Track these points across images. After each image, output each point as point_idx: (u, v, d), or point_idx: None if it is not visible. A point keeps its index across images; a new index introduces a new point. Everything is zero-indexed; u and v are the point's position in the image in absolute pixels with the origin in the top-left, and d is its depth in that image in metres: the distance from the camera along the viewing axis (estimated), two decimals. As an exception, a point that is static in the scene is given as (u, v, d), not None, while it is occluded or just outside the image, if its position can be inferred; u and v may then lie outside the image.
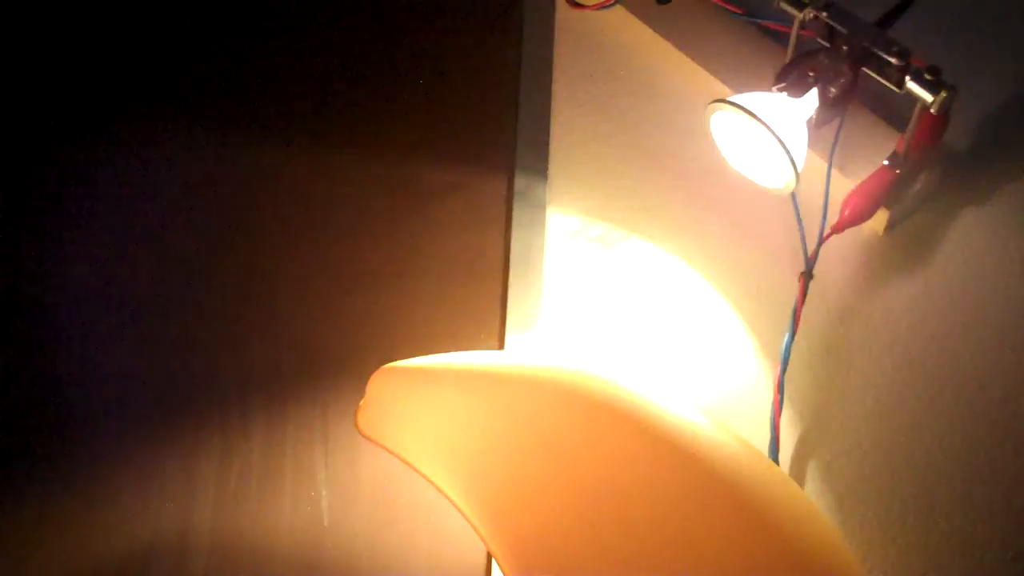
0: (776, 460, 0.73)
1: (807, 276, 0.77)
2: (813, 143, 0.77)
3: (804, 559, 0.61)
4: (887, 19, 0.80)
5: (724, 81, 0.87)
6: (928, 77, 0.76)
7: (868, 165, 0.81)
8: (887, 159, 0.80)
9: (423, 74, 0.93)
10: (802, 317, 0.76)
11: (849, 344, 0.79)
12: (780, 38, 0.86)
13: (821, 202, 0.78)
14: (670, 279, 0.82)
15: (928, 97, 0.76)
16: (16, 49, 0.95)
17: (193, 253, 0.84)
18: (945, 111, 0.77)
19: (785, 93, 0.76)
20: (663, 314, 0.81)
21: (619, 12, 0.92)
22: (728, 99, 0.74)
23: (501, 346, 0.79)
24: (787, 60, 0.80)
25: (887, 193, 0.80)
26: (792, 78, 0.77)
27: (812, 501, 0.72)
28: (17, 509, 0.74)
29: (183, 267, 0.84)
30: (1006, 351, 0.78)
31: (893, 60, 0.76)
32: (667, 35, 0.90)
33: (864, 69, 0.78)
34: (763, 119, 0.72)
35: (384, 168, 0.88)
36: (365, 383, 0.70)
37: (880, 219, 0.82)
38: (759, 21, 0.89)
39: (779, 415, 0.73)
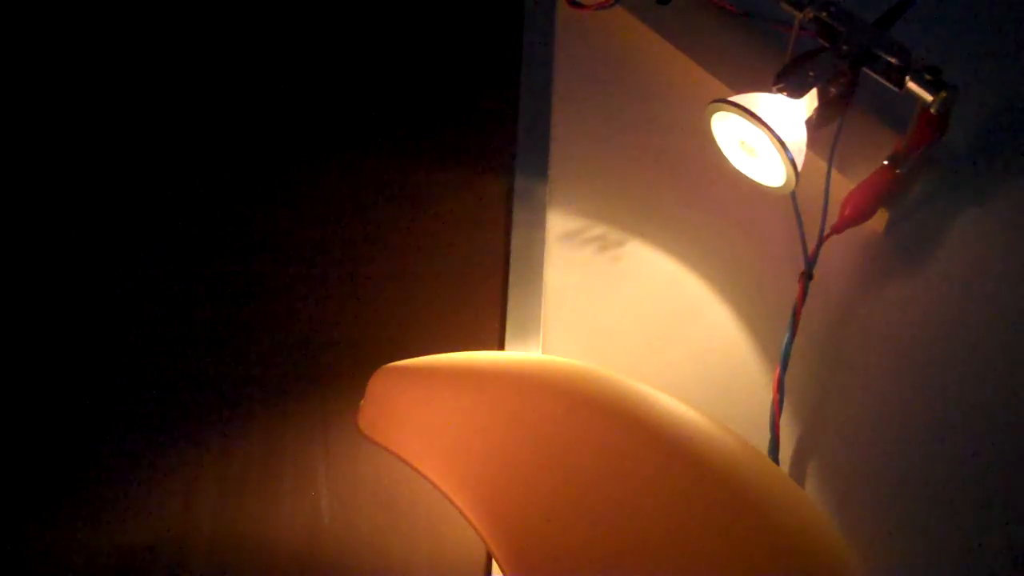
0: (776, 460, 0.73)
1: (807, 276, 0.77)
2: (813, 143, 0.77)
3: (803, 558, 0.61)
4: (887, 19, 0.80)
5: (724, 81, 0.87)
6: (928, 77, 0.76)
7: (868, 165, 0.81)
8: (887, 159, 0.80)
9: (422, 74, 0.93)
10: (802, 317, 0.76)
11: (849, 344, 0.79)
12: (780, 38, 0.86)
13: (821, 202, 0.78)
14: (670, 279, 0.82)
15: (928, 97, 0.76)
16: (16, 51, 0.95)
17: (192, 253, 0.84)
18: (945, 111, 0.77)
19: (785, 93, 0.76)
20: (663, 314, 0.81)
21: (619, 12, 0.92)
22: (728, 99, 0.74)
23: (501, 346, 0.79)
24: (787, 60, 0.80)
25: (887, 193, 0.80)
26: (792, 78, 0.77)
27: (812, 500, 0.72)
28: (17, 510, 0.74)
29: (182, 267, 0.84)
30: (1007, 351, 0.78)
31: (893, 60, 0.76)
32: (667, 35, 0.90)
33: (864, 69, 0.78)
34: (763, 119, 0.72)
35: (383, 168, 0.88)
36: (365, 383, 0.70)
37: (880, 219, 0.82)
38: (759, 21, 0.89)
39: (779, 415, 0.73)
